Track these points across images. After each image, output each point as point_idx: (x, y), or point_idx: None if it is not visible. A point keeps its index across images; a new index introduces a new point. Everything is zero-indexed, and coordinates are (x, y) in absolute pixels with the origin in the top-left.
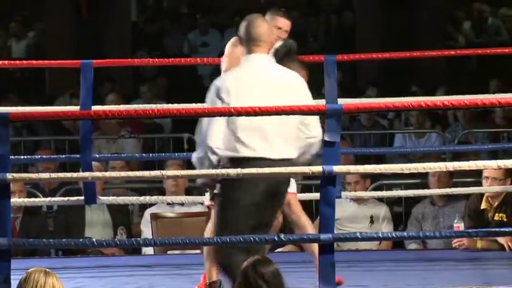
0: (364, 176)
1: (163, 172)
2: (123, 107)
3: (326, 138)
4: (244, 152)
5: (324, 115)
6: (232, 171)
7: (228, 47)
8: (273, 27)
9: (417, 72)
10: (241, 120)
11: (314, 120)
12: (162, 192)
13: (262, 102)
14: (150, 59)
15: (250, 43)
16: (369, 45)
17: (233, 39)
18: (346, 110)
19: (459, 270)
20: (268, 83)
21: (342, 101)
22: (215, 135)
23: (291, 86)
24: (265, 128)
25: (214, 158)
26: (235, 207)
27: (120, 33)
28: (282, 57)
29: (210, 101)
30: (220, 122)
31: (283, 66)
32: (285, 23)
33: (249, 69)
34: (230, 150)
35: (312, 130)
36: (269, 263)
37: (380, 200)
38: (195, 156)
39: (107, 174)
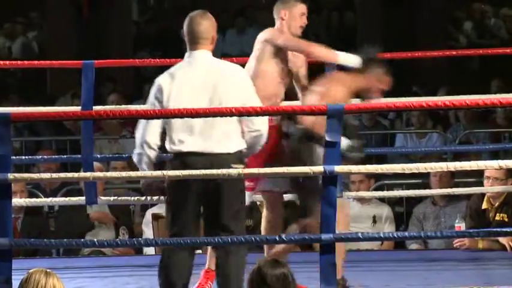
0: (368, 176)
1: (165, 172)
2: (124, 107)
3: (327, 138)
4: (178, 147)
5: (325, 115)
6: (234, 171)
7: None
8: (298, 16)
9: (418, 72)
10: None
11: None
12: (163, 192)
13: (194, 100)
14: (152, 59)
15: (191, 40)
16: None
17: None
18: (347, 110)
19: (460, 271)
20: (203, 80)
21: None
22: (152, 131)
23: (230, 82)
24: (199, 123)
25: (152, 153)
26: (174, 206)
27: (121, 33)
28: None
29: (149, 101)
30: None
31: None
32: (305, 8)
33: (186, 67)
34: (167, 145)
35: (256, 124)
36: (278, 265)
37: (381, 200)
38: (134, 153)
39: (108, 174)
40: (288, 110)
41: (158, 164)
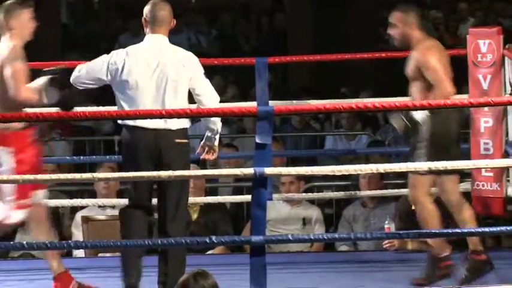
0: (299, 177)
1: (95, 175)
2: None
3: (257, 140)
4: (125, 122)
5: (255, 117)
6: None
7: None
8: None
9: (346, 73)
10: (121, 93)
11: (206, 91)
12: (93, 195)
13: (144, 77)
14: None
15: (152, 24)
16: (300, 47)
17: None
18: (277, 112)
19: (390, 272)
20: (155, 60)
21: (273, 103)
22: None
23: (180, 63)
24: (148, 100)
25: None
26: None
27: (51, 34)
28: None
29: (98, 60)
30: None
31: None
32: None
33: (141, 48)
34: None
35: (205, 102)
36: (209, 275)
37: (311, 202)
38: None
39: (38, 176)
40: (218, 112)
41: None
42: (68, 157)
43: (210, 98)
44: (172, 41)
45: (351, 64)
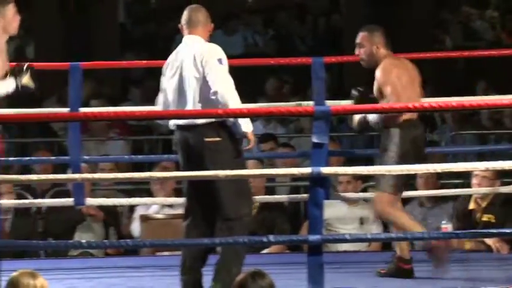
0: (356, 177)
1: (152, 174)
2: (111, 109)
3: (314, 140)
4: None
5: (312, 117)
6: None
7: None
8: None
9: None
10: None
11: (214, 77)
12: (151, 193)
13: (165, 80)
14: (139, 61)
15: (187, 26)
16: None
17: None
18: (334, 112)
19: (446, 271)
20: (175, 61)
21: (329, 103)
22: None
23: (191, 60)
24: (168, 98)
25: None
26: None
27: (108, 34)
28: None
29: None
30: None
31: None
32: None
33: (175, 51)
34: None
35: (213, 86)
36: (266, 275)
37: (369, 201)
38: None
39: (96, 175)
40: (274, 111)
41: None
42: (126, 156)
43: (218, 83)
44: (228, 41)
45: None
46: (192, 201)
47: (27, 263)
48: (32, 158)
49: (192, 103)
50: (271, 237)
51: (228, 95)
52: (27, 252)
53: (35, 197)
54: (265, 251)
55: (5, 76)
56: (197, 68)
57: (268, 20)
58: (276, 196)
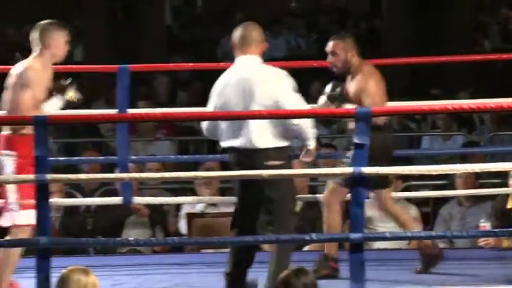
0: (396, 177)
1: (198, 173)
2: (158, 110)
3: (356, 141)
4: (221, 143)
5: (352, 118)
6: (265, 173)
7: None
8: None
9: (442, 76)
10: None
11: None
12: (196, 192)
13: (232, 100)
14: (186, 63)
15: (241, 45)
16: (396, 50)
17: None
18: (375, 113)
19: (485, 269)
20: (237, 82)
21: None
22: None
23: (263, 82)
24: (221, 124)
25: None
26: None
27: (155, 38)
28: None
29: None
30: None
31: None
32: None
33: (229, 70)
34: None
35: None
36: (309, 272)
37: (409, 200)
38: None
39: (144, 175)
40: (318, 113)
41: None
42: (172, 156)
43: (302, 126)
44: (271, 44)
45: (446, 66)
46: (242, 212)
47: (77, 259)
48: (81, 157)
49: (257, 130)
50: (314, 235)
51: (307, 124)
52: (76, 249)
53: (84, 196)
54: (306, 248)
55: (50, 94)
56: (269, 95)
57: (310, 24)
58: (318, 195)
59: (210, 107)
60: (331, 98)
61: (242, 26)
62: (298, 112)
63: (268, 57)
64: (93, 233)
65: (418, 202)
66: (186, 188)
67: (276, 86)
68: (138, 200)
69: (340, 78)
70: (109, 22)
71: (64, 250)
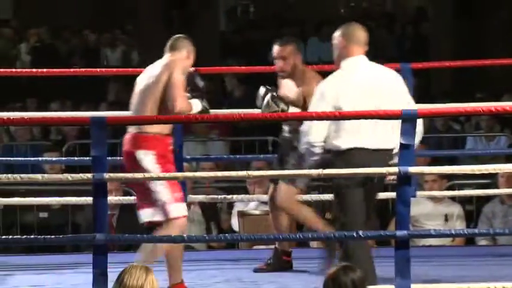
0: (441, 176)
1: (249, 172)
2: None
3: (402, 141)
4: (343, 145)
5: (398, 119)
6: (314, 172)
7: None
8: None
9: (485, 79)
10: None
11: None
12: (247, 191)
13: (360, 104)
14: (239, 67)
15: (357, 45)
16: (442, 53)
17: None
18: (420, 114)
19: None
20: (365, 85)
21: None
22: (316, 132)
23: (388, 86)
24: (365, 125)
25: (316, 151)
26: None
27: (210, 42)
28: None
29: (312, 104)
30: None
31: None
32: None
33: (353, 72)
34: (330, 144)
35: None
36: (356, 269)
37: (453, 199)
38: (301, 149)
39: (197, 174)
40: (365, 114)
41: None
42: (225, 156)
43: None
44: (322, 47)
45: (491, 70)
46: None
47: (133, 255)
48: None
49: (391, 130)
50: (361, 233)
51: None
52: (131, 245)
53: None
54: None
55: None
56: (402, 97)
57: None
58: None
59: (327, 108)
60: (277, 101)
61: (350, 26)
62: (343, 114)
63: (317, 60)
64: (148, 229)
65: (462, 200)
66: (238, 186)
67: (404, 86)
68: (192, 198)
69: (271, 83)
70: (166, 28)
71: (120, 246)
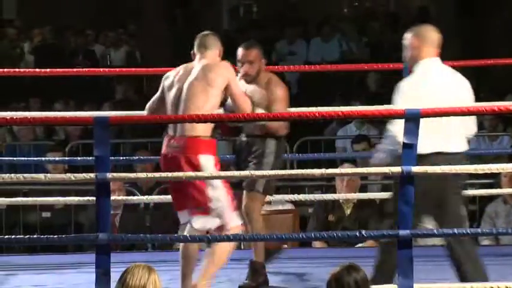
0: None
1: (252, 172)
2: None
3: (405, 141)
4: (422, 150)
5: (401, 118)
6: (317, 171)
7: None
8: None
9: (487, 79)
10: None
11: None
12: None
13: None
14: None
15: (423, 46)
16: (444, 54)
17: None
18: (423, 113)
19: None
20: (443, 88)
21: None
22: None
23: (461, 92)
24: (447, 124)
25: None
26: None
27: None
28: None
29: (394, 102)
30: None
31: None
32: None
33: (435, 72)
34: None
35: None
36: (360, 269)
37: None
38: (382, 147)
39: (199, 174)
40: (368, 114)
41: None
42: (228, 156)
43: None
44: (324, 47)
45: (493, 70)
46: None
47: (136, 255)
48: (141, 157)
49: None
50: (364, 232)
51: None
52: (134, 245)
53: (143, 194)
54: (358, 245)
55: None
56: (471, 97)
57: (362, 28)
58: (369, 194)
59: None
60: None
61: (423, 27)
62: (346, 113)
63: (320, 60)
64: (151, 229)
65: (465, 200)
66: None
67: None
68: None
69: None
70: (170, 27)
71: (123, 246)
